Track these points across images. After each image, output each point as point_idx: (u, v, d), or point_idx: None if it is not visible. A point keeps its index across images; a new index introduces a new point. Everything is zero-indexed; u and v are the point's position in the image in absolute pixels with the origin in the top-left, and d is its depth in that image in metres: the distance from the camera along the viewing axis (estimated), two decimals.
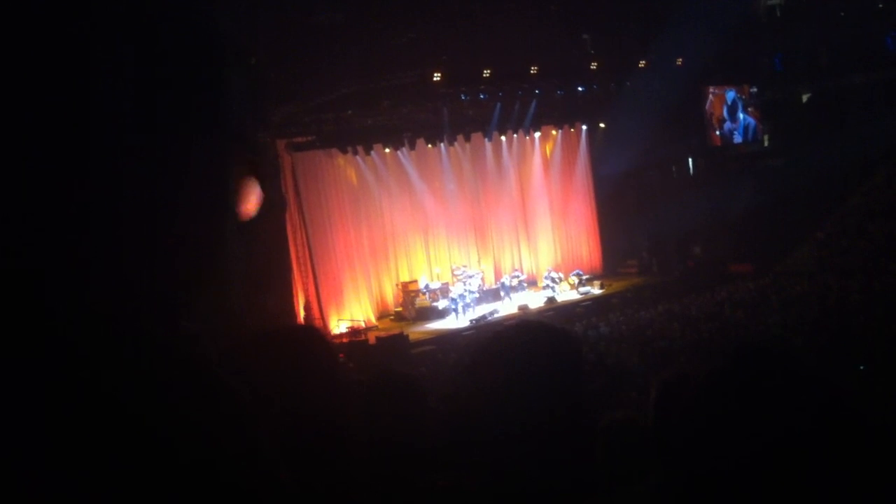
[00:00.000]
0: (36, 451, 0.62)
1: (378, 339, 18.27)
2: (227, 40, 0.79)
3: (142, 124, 0.71)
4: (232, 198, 0.77)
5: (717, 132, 25.77)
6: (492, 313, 20.44)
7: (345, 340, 18.14)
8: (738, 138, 25.94)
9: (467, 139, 23.08)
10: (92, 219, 0.68)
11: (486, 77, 20.62)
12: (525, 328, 1.87)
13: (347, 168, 21.24)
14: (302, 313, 18.90)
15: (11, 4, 0.66)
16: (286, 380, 1.47)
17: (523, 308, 20.81)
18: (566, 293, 22.35)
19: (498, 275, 23.65)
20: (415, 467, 1.84)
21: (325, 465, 1.41)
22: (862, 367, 10.13)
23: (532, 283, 23.52)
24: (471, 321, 19.80)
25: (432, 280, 22.08)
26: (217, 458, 0.68)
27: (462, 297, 20.58)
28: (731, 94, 25.95)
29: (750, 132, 26.14)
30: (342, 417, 1.53)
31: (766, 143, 26.95)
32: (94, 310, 0.66)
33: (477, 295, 21.20)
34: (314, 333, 1.69)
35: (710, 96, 25.72)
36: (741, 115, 25.99)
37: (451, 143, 22.68)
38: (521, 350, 1.73)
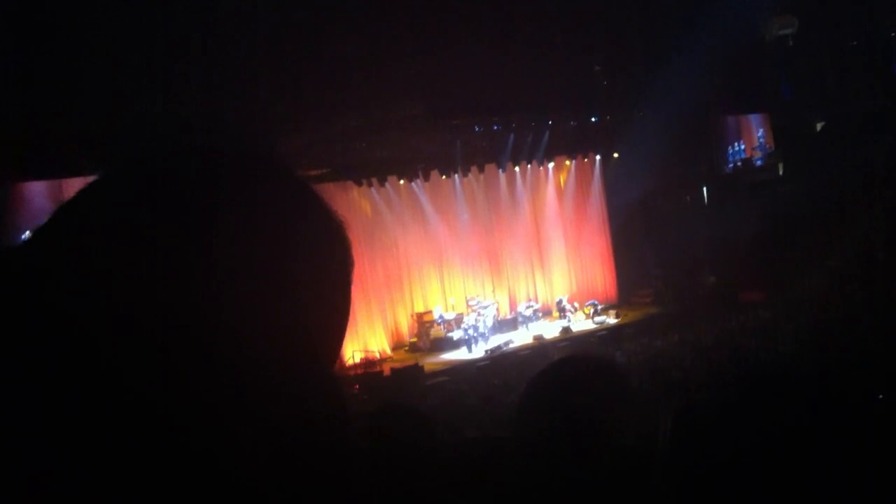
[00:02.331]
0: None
1: (393, 370, 18.22)
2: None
3: None
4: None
5: (729, 160, 25.83)
6: (507, 343, 20.38)
7: (359, 372, 18.10)
8: (757, 162, 26.07)
9: (481, 170, 23.14)
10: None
11: (498, 108, 20.73)
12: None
13: (362, 200, 21.31)
14: None
15: None
16: None
17: (538, 338, 20.75)
18: (581, 323, 22.29)
19: (512, 305, 23.59)
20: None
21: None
22: (881, 397, 10.03)
23: (547, 312, 23.46)
24: (486, 352, 19.74)
25: (447, 310, 22.03)
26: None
27: (475, 327, 20.53)
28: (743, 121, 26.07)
29: (759, 158, 26.23)
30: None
31: (780, 171, 26.89)
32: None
33: (490, 325, 21.16)
34: None
35: (731, 125, 25.86)
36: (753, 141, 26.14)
37: (464, 174, 22.76)
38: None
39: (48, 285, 0.69)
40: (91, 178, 0.81)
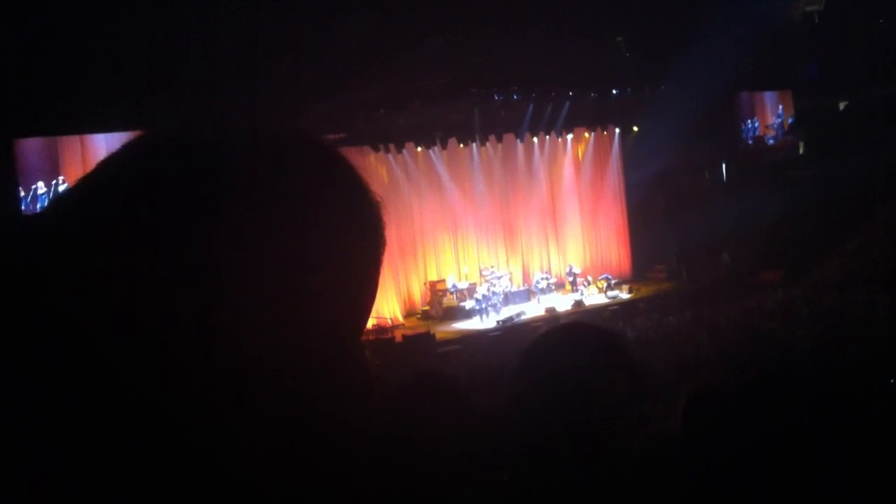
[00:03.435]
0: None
1: (405, 337, 18.31)
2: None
3: None
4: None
5: (750, 138, 25.58)
6: (519, 315, 20.41)
7: (371, 338, 18.17)
8: (769, 140, 25.80)
9: (499, 140, 23.04)
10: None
11: (519, 79, 20.60)
12: (572, 331, 1.85)
13: (379, 166, 21.29)
14: None
15: None
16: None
17: (550, 311, 20.76)
18: (594, 297, 22.27)
19: (526, 276, 23.61)
20: (455, 474, 1.84)
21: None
22: (894, 381, 9.98)
23: (560, 285, 23.47)
24: (497, 322, 19.78)
25: (460, 280, 22.07)
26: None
27: (487, 298, 20.56)
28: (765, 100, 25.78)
29: (772, 137, 25.97)
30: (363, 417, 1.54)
31: (800, 151, 26.66)
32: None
33: (502, 296, 21.18)
34: None
35: (745, 102, 25.54)
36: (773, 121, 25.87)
37: (482, 143, 22.68)
38: (570, 353, 1.72)
39: (48, 285, 0.68)
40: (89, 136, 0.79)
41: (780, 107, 26.27)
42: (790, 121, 26.26)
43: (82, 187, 0.74)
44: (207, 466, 0.68)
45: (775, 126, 26.10)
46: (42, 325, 0.66)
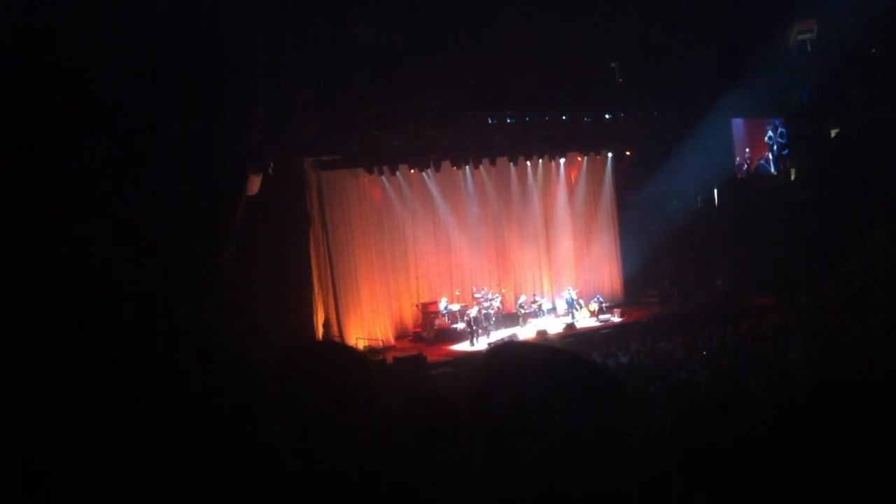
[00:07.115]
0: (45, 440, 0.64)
1: (396, 359, 18.22)
2: (250, 53, 0.82)
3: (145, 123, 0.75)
4: (233, 204, 0.79)
5: (744, 164, 25.60)
6: (511, 337, 20.35)
7: None
8: (763, 170, 25.76)
9: (492, 163, 23.08)
10: (98, 217, 0.70)
11: (514, 102, 20.69)
12: (538, 352, 1.85)
13: (372, 187, 21.32)
14: (321, 330, 18.89)
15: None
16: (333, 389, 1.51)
17: (542, 333, 20.73)
18: (586, 320, 22.26)
19: (518, 299, 23.60)
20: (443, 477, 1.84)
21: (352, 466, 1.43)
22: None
23: (552, 308, 23.44)
24: (489, 345, 19.69)
25: (452, 302, 22.03)
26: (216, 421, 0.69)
27: (478, 320, 20.52)
28: (756, 126, 25.84)
29: (772, 164, 25.90)
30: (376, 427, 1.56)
31: (792, 177, 26.73)
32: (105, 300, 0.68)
33: (495, 319, 21.15)
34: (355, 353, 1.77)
35: (738, 128, 25.57)
36: (768, 148, 25.87)
37: (475, 166, 22.71)
38: (537, 374, 1.71)
39: (48, 285, 0.67)
40: None
41: (748, 150, 25.72)
42: (761, 162, 25.97)
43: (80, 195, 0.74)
44: (210, 462, 0.67)
45: (743, 168, 25.60)
46: (43, 325, 0.65)
